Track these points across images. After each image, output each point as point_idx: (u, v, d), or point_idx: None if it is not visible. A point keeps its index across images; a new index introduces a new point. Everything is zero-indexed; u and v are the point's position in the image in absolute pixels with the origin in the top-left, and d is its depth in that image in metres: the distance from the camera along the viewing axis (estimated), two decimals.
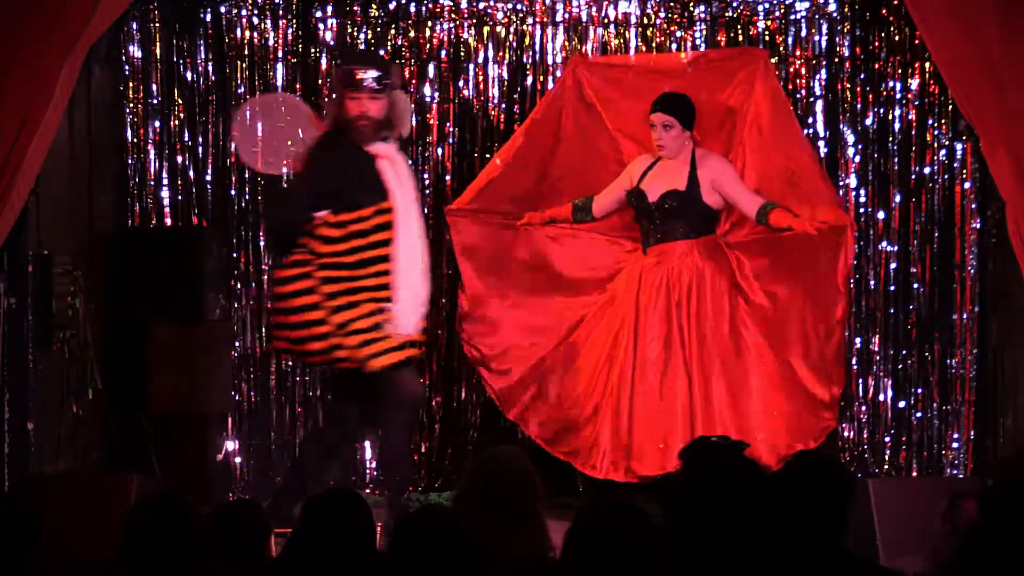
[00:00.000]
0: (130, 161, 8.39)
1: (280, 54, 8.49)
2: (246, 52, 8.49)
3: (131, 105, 8.39)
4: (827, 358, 7.47)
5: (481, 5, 8.51)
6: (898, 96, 8.39)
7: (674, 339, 7.46)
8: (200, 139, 8.45)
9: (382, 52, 8.48)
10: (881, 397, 8.42)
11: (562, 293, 7.79)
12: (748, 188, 7.54)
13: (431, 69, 8.50)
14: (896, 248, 8.39)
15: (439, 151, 8.51)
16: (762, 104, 7.63)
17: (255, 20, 8.49)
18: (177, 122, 8.45)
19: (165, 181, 8.42)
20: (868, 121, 8.41)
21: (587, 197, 7.75)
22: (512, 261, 7.81)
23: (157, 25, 8.40)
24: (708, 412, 7.41)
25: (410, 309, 7.06)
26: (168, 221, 8.40)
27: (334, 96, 7.18)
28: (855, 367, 8.40)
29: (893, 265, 8.40)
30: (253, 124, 7.81)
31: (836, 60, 8.41)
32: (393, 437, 7.27)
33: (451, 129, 8.52)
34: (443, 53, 8.51)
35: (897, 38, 8.40)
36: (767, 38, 8.44)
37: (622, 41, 8.46)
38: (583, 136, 7.86)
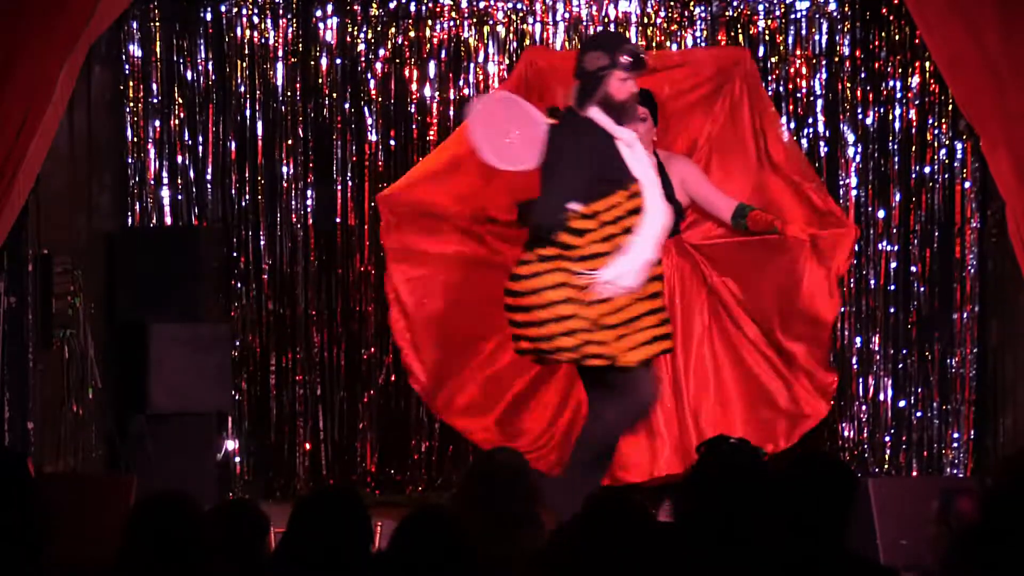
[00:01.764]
0: (130, 161, 8.39)
1: (280, 54, 8.49)
2: (246, 52, 8.49)
3: (131, 105, 8.39)
4: (816, 356, 7.40)
5: (481, 5, 8.51)
6: (898, 95, 8.39)
7: None
8: (200, 139, 8.45)
9: (382, 52, 8.50)
10: (881, 397, 8.42)
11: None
12: (719, 189, 7.46)
13: (431, 69, 8.50)
14: (896, 248, 8.39)
15: None
16: (741, 104, 7.55)
17: (255, 19, 8.50)
18: (177, 122, 8.45)
19: (165, 181, 8.42)
20: (868, 121, 8.41)
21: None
22: (452, 260, 7.51)
23: (157, 24, 8.40)
24: (681, 412, 7.33)
25: (622, 272, 6.66)
26: (168, 221, 8.40)
27: (586, 81, 6.74)
28: (855, 367, 8.41)
29: (893, 265, 8.40)
30: (491, 122, 7.07)
31: (836, 59, 8.41)
32: (601, 426, 6.87)
33: (451, 128, 8.51)
34: (443, 53, 8.51)
35: (897, 37, 8.40)
36: (767, 38, 8.44)
37: None
38: None
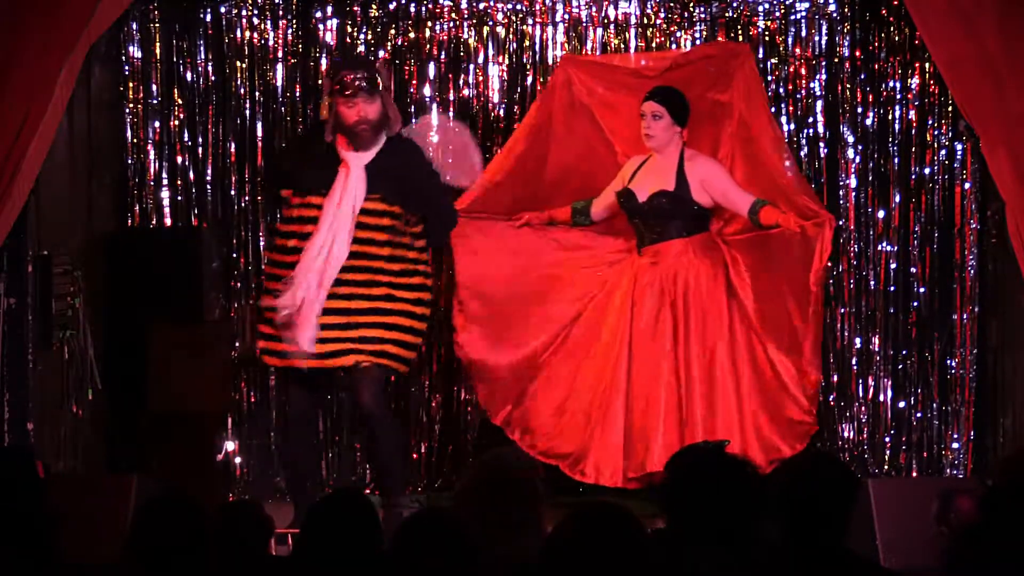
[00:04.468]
0: (130, 161, 8.39)
1: (280, 54, 8.49)
2: (246, 52, 8.49)
3: (131, 105, 8.39)
4: (805, 355, 7.43)
5: (481, 5, 8.51)
6: (898, 96, 8.40)
7: (666, 339, 7.40)
8: (200, 139, 8.46)
9: (382, 52, 8.49)
10: (881, 397, 8.42)
11: (555, 295, 7.73)
12: (738, 186, 7.50)
13: (431, 69, 8.50)
14: (896, 248, 8.39)
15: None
16: (739, 99, 7.61)
17: (255, 20, 8.50)
18: (177, 122, 8.45)
19: (165, 181, 8.42)
20: (868, 121, 8.41)
21: (587, 200, 7.74)
22: (506, 262, 7.76)
23: (157, 25, 8.40)
24: (699, 414, 7.35)
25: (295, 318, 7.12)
26: (168, 221, 8.40)
27: (328, 104, 7.19)
28: (855, 367, 8.41)
29: (893, 265, 8.41)
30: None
31: (836, 60, 8.42)
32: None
33: None
34: (443, 53, 8.51)
35: (897, 38, 8.40)
36: (767, 38, 8.44)
37: (622, 41, 8.46)
38: (576, 136, 7.82)
